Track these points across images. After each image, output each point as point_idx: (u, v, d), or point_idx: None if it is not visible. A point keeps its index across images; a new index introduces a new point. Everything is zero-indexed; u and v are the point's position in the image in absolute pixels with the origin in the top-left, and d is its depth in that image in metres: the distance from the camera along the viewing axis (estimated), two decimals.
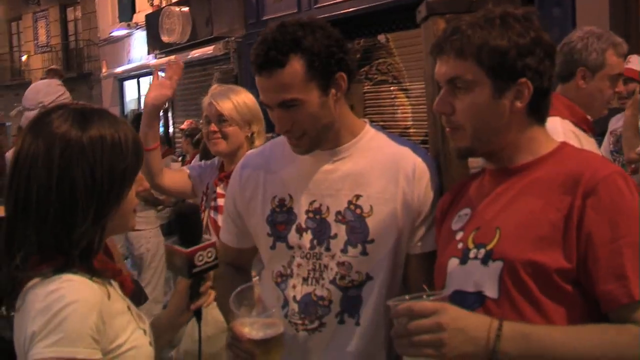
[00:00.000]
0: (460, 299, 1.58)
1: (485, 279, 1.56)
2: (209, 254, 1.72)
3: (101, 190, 1.50)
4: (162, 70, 3.03)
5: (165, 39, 13.68)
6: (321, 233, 1.95)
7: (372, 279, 1.94)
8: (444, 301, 1.49)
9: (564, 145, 1.68)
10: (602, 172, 1.50)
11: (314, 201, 1.97)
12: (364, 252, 1.92)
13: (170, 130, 14.13)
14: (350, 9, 9.09)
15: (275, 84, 1.83)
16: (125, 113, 17.81)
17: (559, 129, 2.53)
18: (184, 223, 1.74)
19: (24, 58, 28.07)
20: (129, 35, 17.81)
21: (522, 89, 1.60)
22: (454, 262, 1.66)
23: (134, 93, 18.53)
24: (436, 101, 1.67)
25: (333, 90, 1.88)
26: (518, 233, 1.54)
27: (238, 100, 3.04)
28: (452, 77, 1.64)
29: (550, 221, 1.51)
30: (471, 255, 1.61)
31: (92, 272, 1.51)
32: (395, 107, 8.94)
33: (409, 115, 8.64)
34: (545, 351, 1.43)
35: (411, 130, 8.56)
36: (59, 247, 1.49)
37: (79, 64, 23.61)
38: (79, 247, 1.49)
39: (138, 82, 18.03)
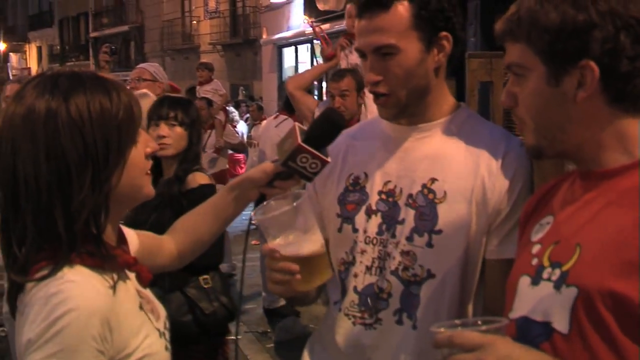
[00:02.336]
0: (525, 327, 1.30)
1: (555, 307, 1.25)
2: (313, 165, 1.59)
3: (95, 151, 1.31)
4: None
5: (321, 6, 13.70)
6: (390, 218, 1.74)
7: (433, 277, 1.69)
8: (498, 333, 1.21)
9: None
10: None
11: (389, 182, 1.77)
12: (429, 244, 1.69)
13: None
14: None
15: (375, 26, 1.68)
16: (283, 79, 18.00)
17: None
18: (322, 126, 1.62)
19: (194, 23, 29.16)
20: (288, 3, 17.95)
21: (585, 74, 1.28)
22: (525, 281, 1.36)
23: (292, 60, 18.68)
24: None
25: (435, 50, 1.71)
26: (601, 254, 1.22)
27: None
28: (508, 63, 1.38)
29: None
30: (544, 275, 1.31)
31: (101, 257, 1.33)
32: None
33: None
34: None
35: None
36: (60, 226, 1.29)
37: (245, 30, 24.20)
38: (80, 220, 1.30)
39: (296, 49, 18.17)
